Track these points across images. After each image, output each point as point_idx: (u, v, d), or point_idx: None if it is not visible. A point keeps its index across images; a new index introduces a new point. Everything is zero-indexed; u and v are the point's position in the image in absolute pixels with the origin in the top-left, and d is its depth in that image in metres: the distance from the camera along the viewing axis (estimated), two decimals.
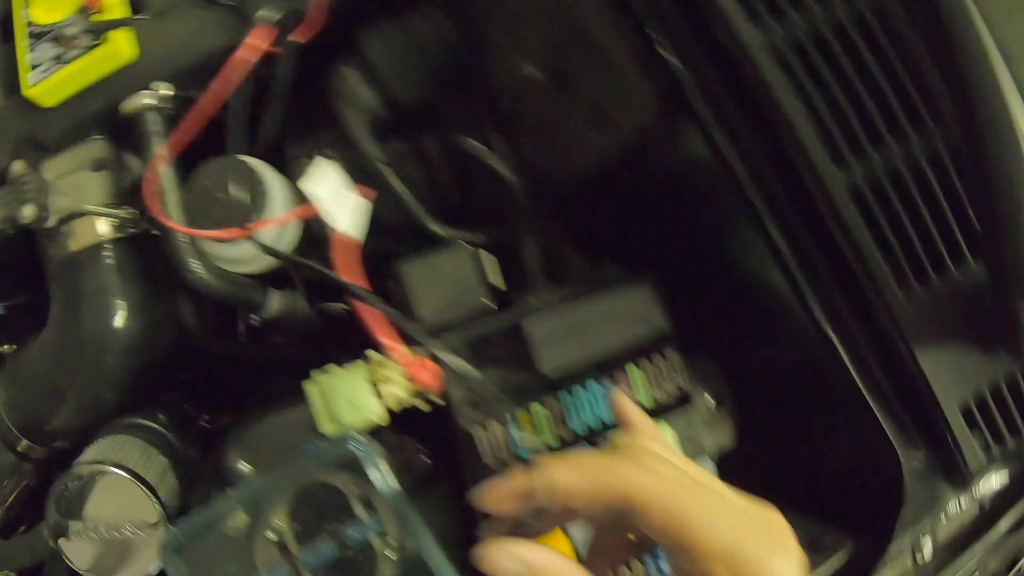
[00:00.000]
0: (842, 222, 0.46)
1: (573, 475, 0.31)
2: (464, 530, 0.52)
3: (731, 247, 0.51)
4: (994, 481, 0.56)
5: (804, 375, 0.54)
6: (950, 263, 0.48)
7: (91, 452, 0.52)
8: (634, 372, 0.49)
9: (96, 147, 0.55)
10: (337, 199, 0.42)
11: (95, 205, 0.54)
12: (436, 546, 0.47)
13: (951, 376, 0.50)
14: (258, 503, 0.48)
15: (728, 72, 0.45)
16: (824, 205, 0.45)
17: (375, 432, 0.47)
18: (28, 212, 0.53)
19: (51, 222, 0.54)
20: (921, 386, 0.50)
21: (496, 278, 0.48)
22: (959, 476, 0.54)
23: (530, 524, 0.37)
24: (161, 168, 0.52)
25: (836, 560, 0.55)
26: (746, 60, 0.44)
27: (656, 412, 0.51)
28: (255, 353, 0.60)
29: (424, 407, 0.47)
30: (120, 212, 0.54)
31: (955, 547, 0.59)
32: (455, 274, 0.47)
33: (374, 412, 0.46)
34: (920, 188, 0.47)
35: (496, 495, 0.33)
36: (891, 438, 0.51)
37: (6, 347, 0.59)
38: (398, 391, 0.47)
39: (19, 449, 0.57)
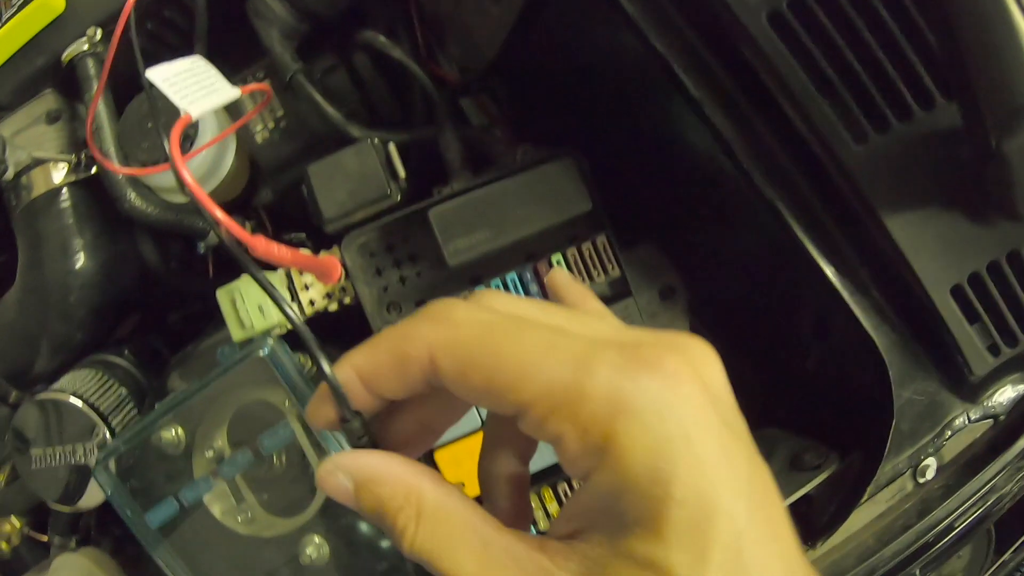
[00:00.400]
0: (761, 54, 0.40)
1: (367, 354, 0.25)
2: None
3: (664, 124, 0.46)
4: (1009, 392, 0.49)
5: (760, 258, 0.49)
6: (914, 105, 0.42)
7: (53, 385, 0.54)
8: (560, 263, 0.46)
9: (48, 100, 0.57)
10: (191, 85, 0.41)
11: (49, 154, 0.56)
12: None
13: (933, 250, 0.44)
14: (192, 421, 0.49)
15: None
16: (742, 39, 0.40)
17: (288, 337, 0.46)
18: None
19: (9, 175, 0.56)
20: (896, 261, 0.44)
21: (398, 167, 0.46)
22: (964, 383, 0.47)
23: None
24: (99, 108, 0.53)
25: (820, 479, 0.49)
26: None
27: None
28: (215, 285, 0.60)
29: (334, 308, 0.46)
30: (70, 157, 0.55)
31: (965, 468, 0.52)
32: (360, 168, 0.45)
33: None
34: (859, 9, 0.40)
35: (313, 409, 0.26)
36: (867, 328, 0.45)
37: None
38: (313, 295, 0.46)
39: (12, 400, 0.61)
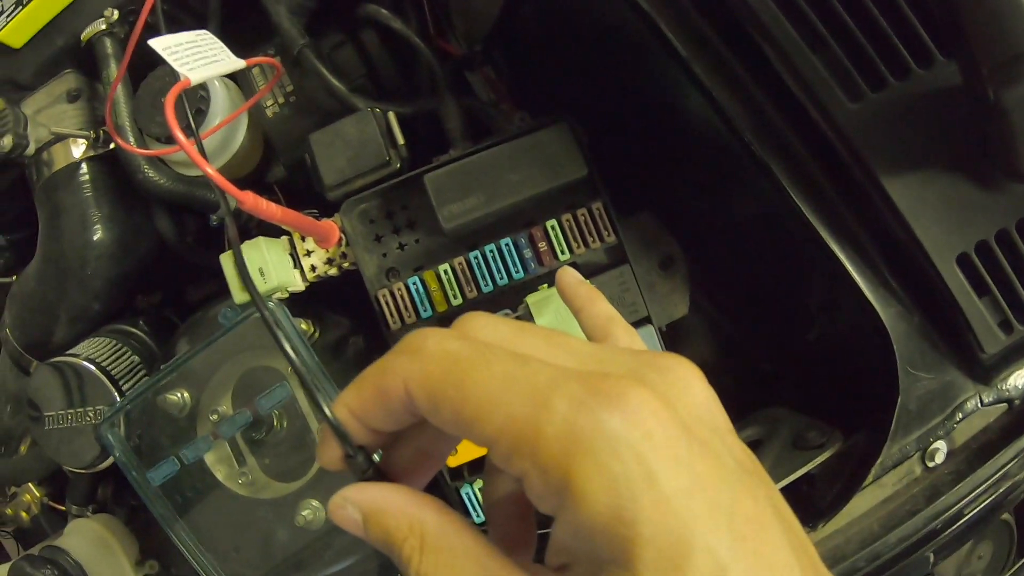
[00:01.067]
0: (750, 11, 0.40)
1: (354, 392, 0.25)
2: None
3: (659, 90, 0.46)
4: None
5: (760, 227, 0.48)
6: (912, 62, 0.41)
7: (69, 351, 0.55)
8: (556, 229, 0.46)
9: (68, 80, 0.59)
10: (194, 55, 0.42)
11: (68, 130, 0.58)
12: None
13: (937, 215, 0.42)
14: (197, 385, 0.50)
15: None
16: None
17: (292, 299, 0.47)
18: (6, 142, 0.57)
19: (30, 150, 0.58)
20: (898, 227, 0.43)
21: (398, 136, 0.46)
22: (977, 364, 0.45)
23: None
24: (118, 87, 0.55)
25: (823, 458, 0.48)
26: None
27: (586, 273, 0.47)
28: None
29: (335, 273, 0.47)
30: (89, 133, 0.57)
31: (977, 453, 0.50)
32: (359, 136, 0.46)
33: (288, 280, 0.46)
34: None
35: (321, 452, 0.27)
36: (870, 299, 0.44)
37: (15, 277, 0.65)
38: (315, 260, 0.47)
39: (32, 370, 0.63)
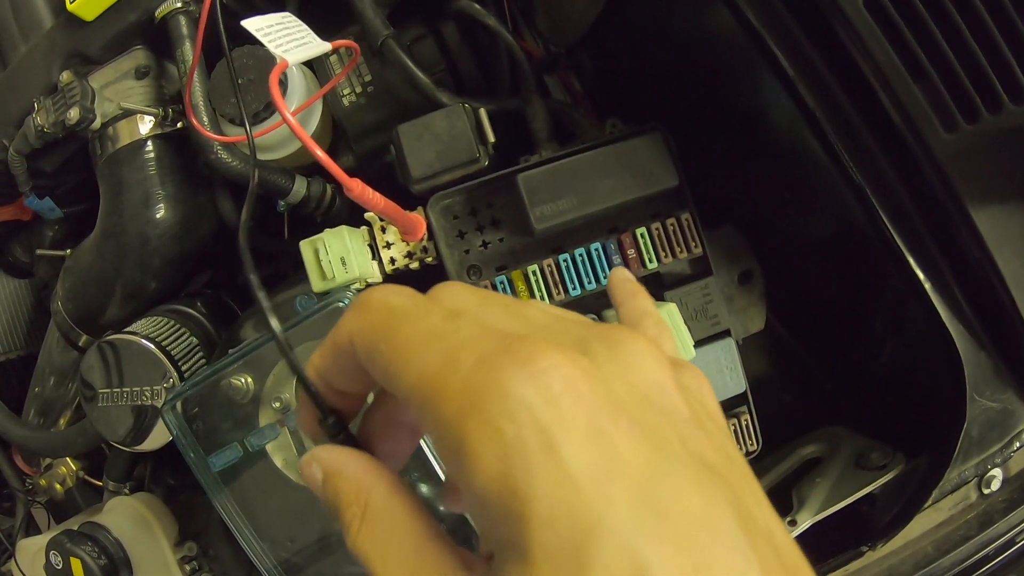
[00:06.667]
0: (857, 36, 0.40)
1: (319, 353, 0.24)
2: None
3: (753, 103, 0.47)
4: None
5: (839, 245, 0.48)
6: (1005, 98, 0.42)
7: (126, 328, 0.55)
8: (645, 237, 0.46)
9: (137, 56, 0.59)
10: (284, 36, 0.42)
11: (137, 105, 0.57)
12: None
13: (1019, 248, 0.43)
14: (263, 370, 0.49)
15: None
16: (838, 20, 0.40)
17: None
18: (74, 115, 0.57)
19: (96, 124, 0.58)
20: (980, 258, 0.43)
21: (489, 133, 0.46)
22: None
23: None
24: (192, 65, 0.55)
25: (885, 479, 0.49)
26: None
27: (669, 282, 0.47)
28: (289, 247, 0.62)
29: (415, 267, 0.47)
30: (158, 110, 0.57)
31: None
32: (450, 131, 0.46)
33: (367, 271, 0.46)
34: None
35: (300, 418, 0.26)
36: (946, 324, 0.44)
37: (69, 251, 0.64)
38: (394, 253, 0.47)
39: (81, 344, 0.62)
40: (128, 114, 0.58)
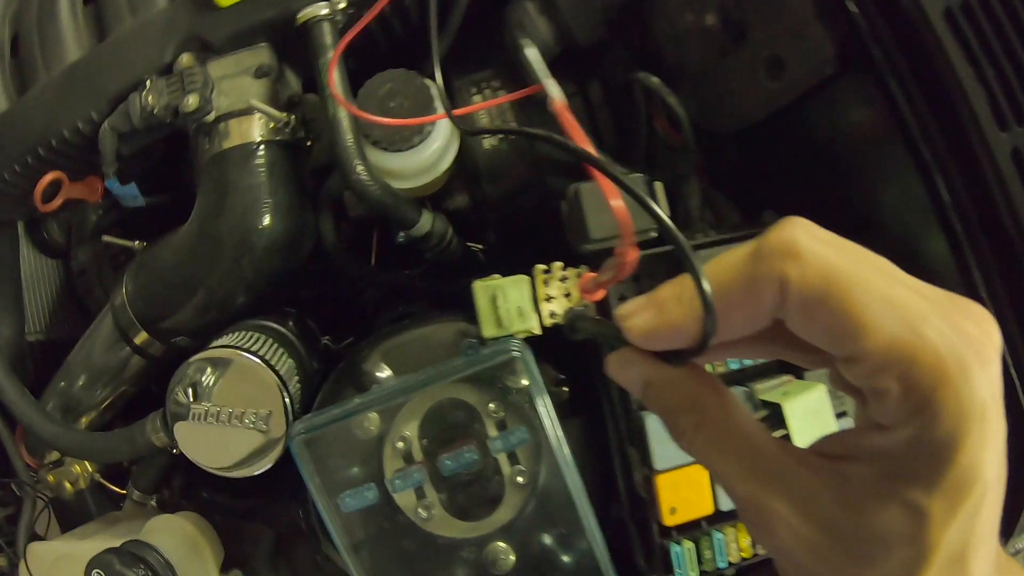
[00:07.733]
0: (1004, 188, 0.45)
1: (717, 288, 0.24)
2: (596, 469, 0.51)
3: (890, 202, 0.51)
4: None
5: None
6: None
7: (223, 340, 0.51)
8: None
9: (261, 54, 0.56)
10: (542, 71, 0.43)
11: (266, 106, 0.54)
12: (575, 471, 0.46)
13: None
14: (392, 409, 0.48)
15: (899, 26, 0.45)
16: (987, 164, 0.45)
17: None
18: (192, 101, 0.53)
19: (211, 117, 0.54)
20: None
21: (665, 208, 0.48)
22: None
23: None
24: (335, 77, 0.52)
25: None
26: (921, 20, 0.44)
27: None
28: (383, 278, 0.60)
29: None
30: (283, 115, 0.54)
31: None
32: (627, 198, 0.47)
33: (534, 324, 0.46)
34: None
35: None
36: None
37: (137, 243, 0.59)
38: (554, 307, 0.47)
39: (136, 342, 0.57)
40: (243, 112, 0.55)
